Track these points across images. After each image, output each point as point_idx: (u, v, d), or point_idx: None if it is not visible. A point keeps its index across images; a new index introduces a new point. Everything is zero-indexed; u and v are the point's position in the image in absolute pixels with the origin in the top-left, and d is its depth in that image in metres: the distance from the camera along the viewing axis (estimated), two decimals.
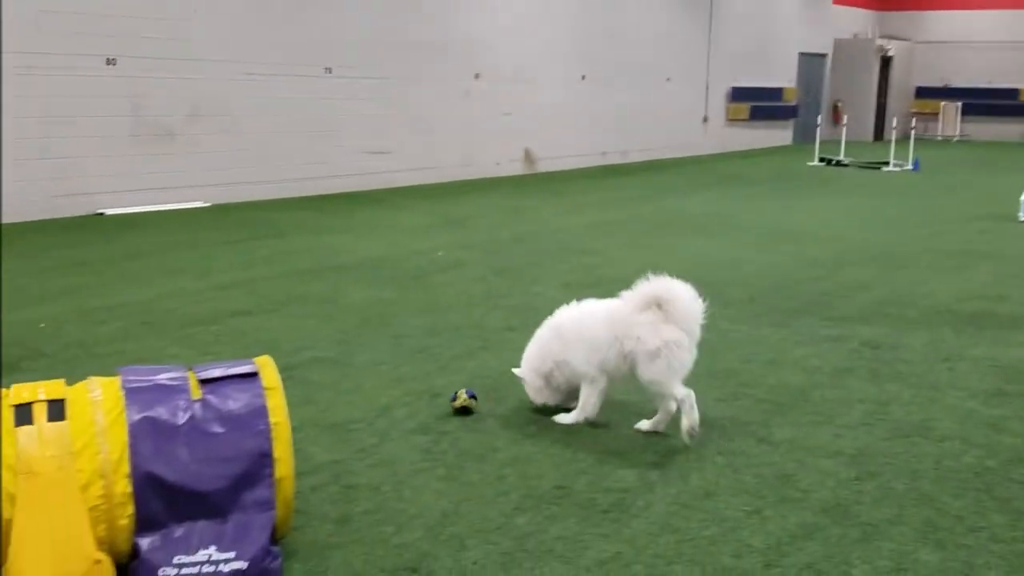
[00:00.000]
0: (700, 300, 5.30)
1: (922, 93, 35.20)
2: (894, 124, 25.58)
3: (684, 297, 5.27)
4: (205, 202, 14.64)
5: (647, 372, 5.29)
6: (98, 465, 3.60)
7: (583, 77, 21.81)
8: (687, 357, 5.30)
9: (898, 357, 7.04)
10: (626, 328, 5.32)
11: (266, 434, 3.80)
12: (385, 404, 5.91)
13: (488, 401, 5.90)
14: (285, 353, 6.87)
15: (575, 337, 5.57)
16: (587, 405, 5.61)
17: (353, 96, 16.60)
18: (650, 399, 5.49)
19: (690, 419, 5.21)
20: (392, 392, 6.12)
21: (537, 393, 5.78)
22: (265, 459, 3.79)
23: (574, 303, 5.78)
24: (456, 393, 5.77)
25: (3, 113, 10.84)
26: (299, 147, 15.96)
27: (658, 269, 5.44)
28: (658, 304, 5.25)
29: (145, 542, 3.67)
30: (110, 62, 13.39)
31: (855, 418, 5.77)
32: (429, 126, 18.07)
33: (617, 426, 5.59)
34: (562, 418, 5.65)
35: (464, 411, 5.69)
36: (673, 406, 5.34)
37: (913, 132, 25.09)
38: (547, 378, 5.71)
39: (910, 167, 22.43)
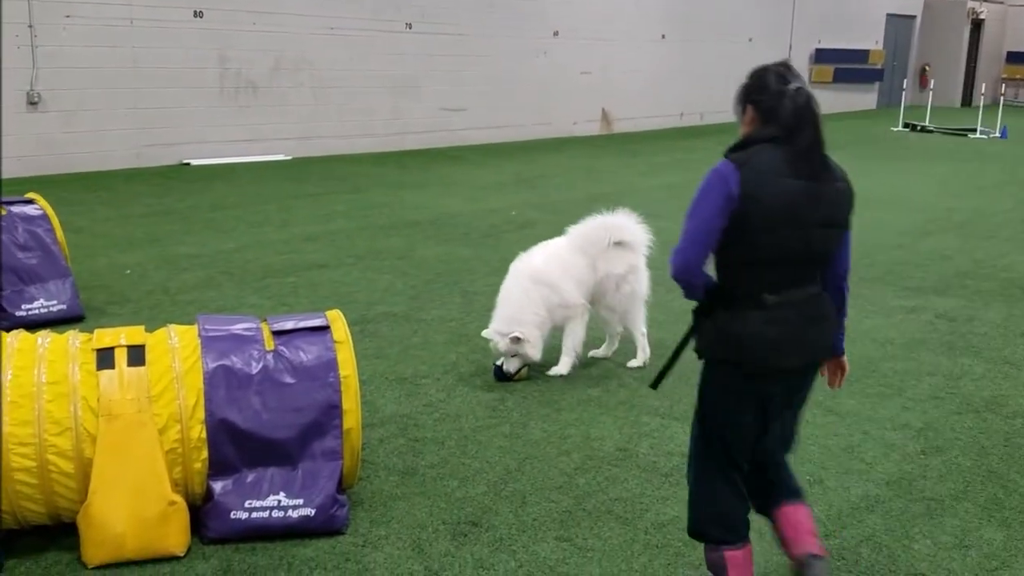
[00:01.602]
0: (645, 228, 5.89)
1: (1014, 58, 34.00)
2: (983, 90, 24.81)
3: (637, 229, 5.87)
4: (286, 155, 14.86)
5: (615, 298, 5.83)
6: (175, 410, 3.75)
7: (663, 36, 21.52)
8: (646, 282, 5.92)
9: (973, 330, 6.92)
10: (595, 256, 5.78)
11: (335, 386, 3.91)
12: (453, 360, 6.01)
13: (555, 362, 5.95)
14: (359, 306, 7.01)
15: (560, 275, 5.71)
16: (578, 343, 5.84)
17: (432, 53, 16.64)
18: (607, 327, 6.07)
19: (644, 354, 5.99)
20: (460, 349, 6.21)
21: (536, 348, 5.62)
22: (334, 410, 3.90)
23: (522, 255, 5.87)
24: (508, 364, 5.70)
25: (2, 87, 11.06)
26: (378, 102, 16.08)
27: None
28: (617, 242, 5.79)
29: (218, 485, 3.82)
30: (197, 15, 13.61)
31: (924, 391, 5.70)
32: (506, 84, 18.04)
33: (681, 391, 5.60)
34: (559, 369, 5.81)
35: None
36: (619, 332, 6.04)
37: (1003, 99, 24.31)
38: (542, 329, 5.70)
39: (998, 135, 21.79)
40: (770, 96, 3.11)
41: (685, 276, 3.15)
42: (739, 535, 3.34)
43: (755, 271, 3.12)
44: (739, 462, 3.32)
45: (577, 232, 5.89)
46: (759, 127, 3.16)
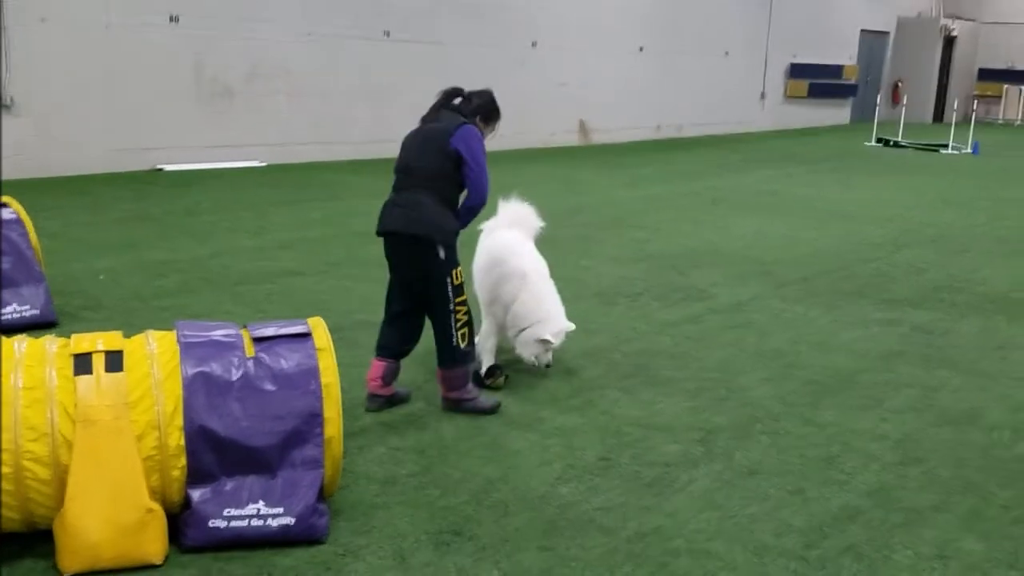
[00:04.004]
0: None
1: (985, 75, 34.35)
2: (955, 106, 25.06)
3: (532, 215, 6.49)
4: (262, 162, 14.78)
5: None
6: (153, 417, 3.69)
7: (640, 49, 21.61)
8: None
9: (949, 343, 6.97)
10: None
11: (317, 394, 3.87)
12: (433, 369, 5.94)
13: (534, 372, 5.94)
14: (335, 314, 6.95)
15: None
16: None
17: (409, 61, 16.61)
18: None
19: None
20: None
21: None
22: (315, 418, 3.86)
23: (519, 256, 6.16)
24: (495, 372, 5.79)
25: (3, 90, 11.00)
26: (355, 110, 16.03)
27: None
28: (519, 225, 6.29)
29: (196, 493, 3.77)
30: (173, 19, 13.53)
31: (902, 403, 5.73)
32: None
33: (663, 401, 5.60)
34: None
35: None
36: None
37: (974, 115, 24.59)
38: None
39: (969, 150, 22.02)
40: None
41: None
42: (383, 353, 5.31)
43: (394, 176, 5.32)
44: (392, 306, 5.39)
45: (528, 222, 6.42)
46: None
